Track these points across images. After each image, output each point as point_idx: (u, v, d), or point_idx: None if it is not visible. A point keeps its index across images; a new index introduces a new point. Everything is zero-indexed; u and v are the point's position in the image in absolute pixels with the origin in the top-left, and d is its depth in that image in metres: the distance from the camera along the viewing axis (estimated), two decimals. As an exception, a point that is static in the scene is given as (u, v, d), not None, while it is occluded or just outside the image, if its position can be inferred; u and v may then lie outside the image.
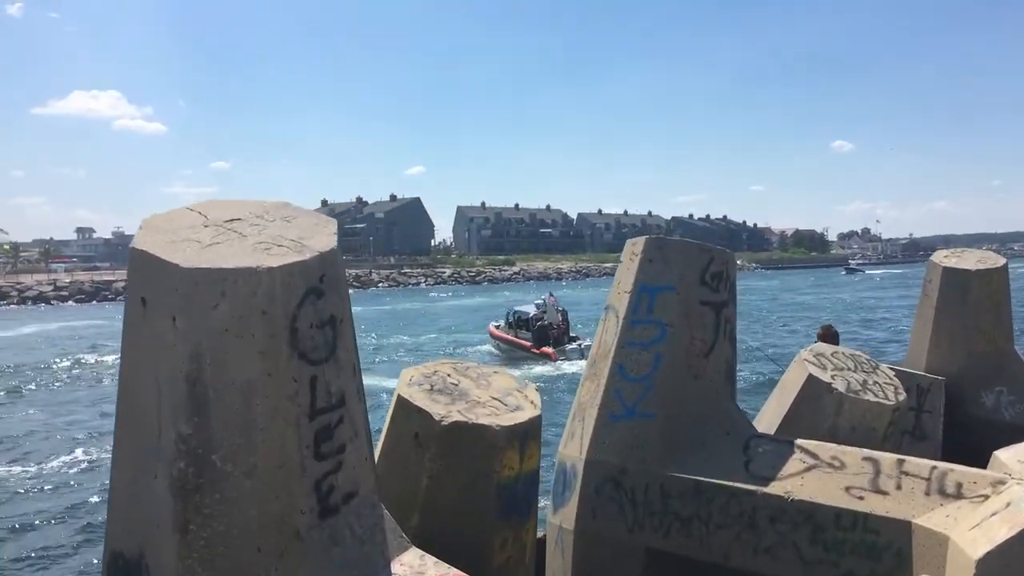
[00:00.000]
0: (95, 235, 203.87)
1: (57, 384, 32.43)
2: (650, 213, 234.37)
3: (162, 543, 2.93)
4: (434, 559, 3.25)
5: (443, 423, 3.92)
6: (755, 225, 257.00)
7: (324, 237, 3.16)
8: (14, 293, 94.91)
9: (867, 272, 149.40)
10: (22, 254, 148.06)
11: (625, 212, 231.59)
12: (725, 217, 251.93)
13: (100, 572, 3.33)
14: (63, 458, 19.16)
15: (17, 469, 18.24)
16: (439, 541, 3.68)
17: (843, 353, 6.01)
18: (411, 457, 4.00)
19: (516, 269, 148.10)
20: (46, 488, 16.47)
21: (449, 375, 4.36)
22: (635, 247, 5.31)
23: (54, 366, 37.50)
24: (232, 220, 3.18)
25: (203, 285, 2.81)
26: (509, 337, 40.97)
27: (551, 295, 41.93)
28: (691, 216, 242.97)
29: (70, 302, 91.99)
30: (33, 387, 31.77)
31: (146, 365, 2.95)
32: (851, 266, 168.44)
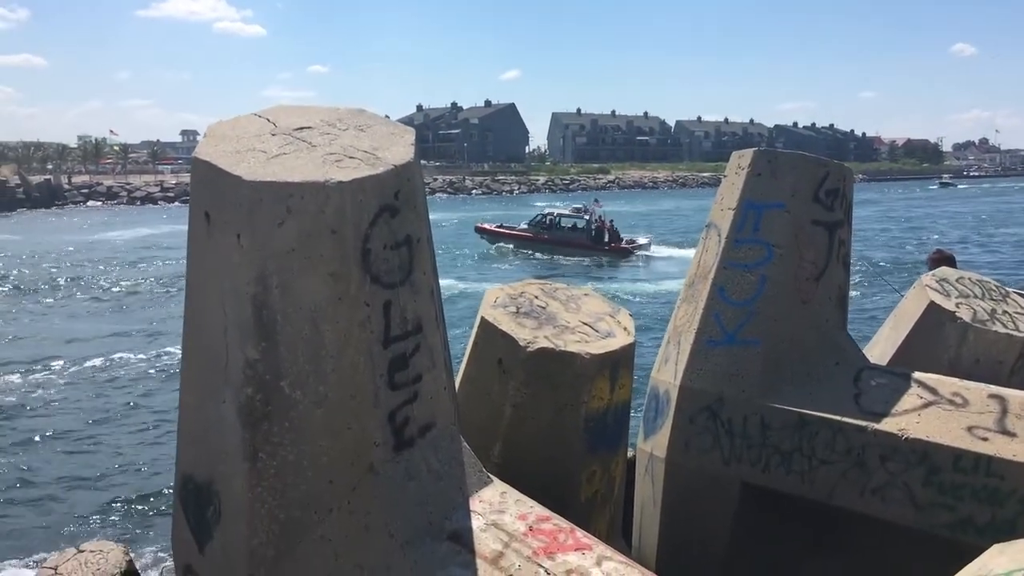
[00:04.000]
0: (199, 137, 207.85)
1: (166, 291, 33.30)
2: (752, 121, 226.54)
3: (232, 471, 2.81)
4: (516, 496, 3.05)
5: (528, 349, 3.67)
6: (863, 135, 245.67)
7: (400, 148, 2.88)
8: (123, 193, 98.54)
9: (959, 186, 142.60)
10: (131, 155, 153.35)
11: (725, 120, 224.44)
12: (832, 126, 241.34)
13: (172, 492, 3.25)
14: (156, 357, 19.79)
15: (112, 370, 18.90)
16: (522, 473, 3.49)
17: (969, 279, 5.49)
18: (494, 384, 3.78)
19: (611, 177, 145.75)
20: (138, 393, 17.00)
21: (537, 297, 4.09)
22: (741, 160, 4.87)
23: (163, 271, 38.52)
24: (302, 128, 2.93)
25: (267, 201, 2.58)
26: (544, 237, 42.28)
27: (596, 201, 44.24)
28: (795, 124, 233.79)
29: (176, 203, 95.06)
30: (146, 294, 32.83)
31: (211, 285, 2.77)
32: (945, 179, 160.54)
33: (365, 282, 2.70)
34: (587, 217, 41.97)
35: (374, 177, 2.68)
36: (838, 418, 4.32)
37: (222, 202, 2.67)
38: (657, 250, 41.69)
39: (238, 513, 2.82)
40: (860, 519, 4.30)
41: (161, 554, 8.62)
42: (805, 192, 4.66)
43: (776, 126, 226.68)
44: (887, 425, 4.23)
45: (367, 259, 2.69)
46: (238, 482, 2.79)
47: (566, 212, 44.94)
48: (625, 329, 4.03)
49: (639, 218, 64.97)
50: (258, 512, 2.78)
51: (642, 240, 42.39)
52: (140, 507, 10.51)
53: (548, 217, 44.16)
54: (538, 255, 41.57)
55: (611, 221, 41.99)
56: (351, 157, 2.75)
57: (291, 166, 2.67)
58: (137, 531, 9.65)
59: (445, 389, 3.03)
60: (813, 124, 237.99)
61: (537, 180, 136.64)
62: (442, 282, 3.25)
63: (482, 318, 3.86)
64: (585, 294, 4.32)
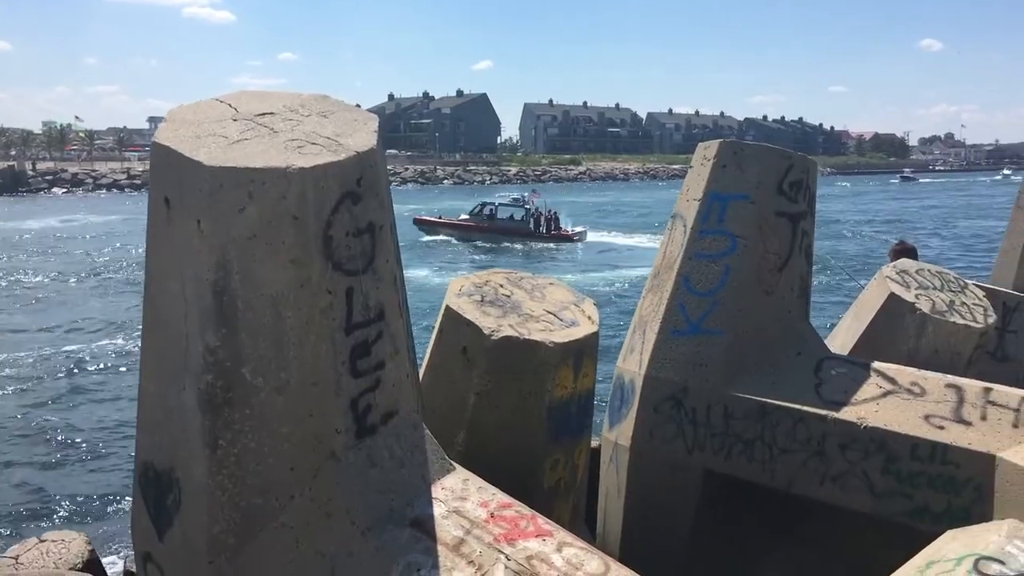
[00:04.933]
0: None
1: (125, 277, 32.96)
2: (722, 114, 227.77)
3: (192, 458, 2.80)
4: (479, 483, 3.05)
5: (493, 337, 3.67)
6: (832, 128, 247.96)
7: (363, 135, 2.87)
8: (89, 181, 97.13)
9: (920, 180, 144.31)
10: (97, 142, 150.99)
11: (696, 112, 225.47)
12: (801, 119, 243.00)
13: (133, 480, 3.22)
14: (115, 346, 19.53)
15: (73, 354, 18.63)
16: (485, 461, 3.49)
17: (929, 270, 5.57)
18: (458, 372, 3.78)
19: (582, 169, 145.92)
20: (95, 382, 16.79)
21: (502, 286, 4.09)
22: (707, 151, 4.90)
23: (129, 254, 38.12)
24: (264, 114, 2.91)
25: (228, 186, 2.56)
26: (485, 226, 45.70)
27: (535, 192, 49.84)
28: (765, 117, 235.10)
29: (143, 190, 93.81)
30: (109, 275, 32.48)
31: (171, 271, 2.75)
32: (906, 174, 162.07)
33: (327, 269, 2.69)
34: (528, 207, 46.06)
35: (336, 164, 2.67)
36: (799, 407, 4.37)
37: (182, 187, 2.65)
38: (596, 236, 46.99)
39: (199, 500, 2.80)
40: (820, 507, 4.36)
41: (123, 542, 8.54)
42: (769, 184, 4.70)
43: (746, 119, 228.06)
44: (846, 414, 4.29)
45: (329, 246, 2.68)
46: (198, 469, 2.77)
47: (505, 202, 48.28)
48: (589, 318, 4.04)
49: (595, 208, 65.69)
50: (219, 499, 2.76)
51: (579, 229, 46.74)
52: (101, 496, 10.43)
53: (488, 207, 47.31)
54: (478, 243, 44.44)
55: (551, 211, 46.11)
56: (313, 143, 2.74)
57: (252, 152, 2.65)
58: (98, 520, 9.57)
59: (408, 376, 3.03)
60: (783, 117, 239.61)
61: (509, 171, 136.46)
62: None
63: (447, 306, 3.86)
64: (550, 283, 4.33)
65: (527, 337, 3.70)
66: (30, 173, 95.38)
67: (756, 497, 4.55)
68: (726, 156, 4.78)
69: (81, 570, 4.53)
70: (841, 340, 5.55)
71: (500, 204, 48.07)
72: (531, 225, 45.67)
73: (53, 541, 4.89)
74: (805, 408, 4.36)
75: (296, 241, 2.62)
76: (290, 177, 2.58)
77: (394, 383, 2.94)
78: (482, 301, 3.90)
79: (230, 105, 2.95)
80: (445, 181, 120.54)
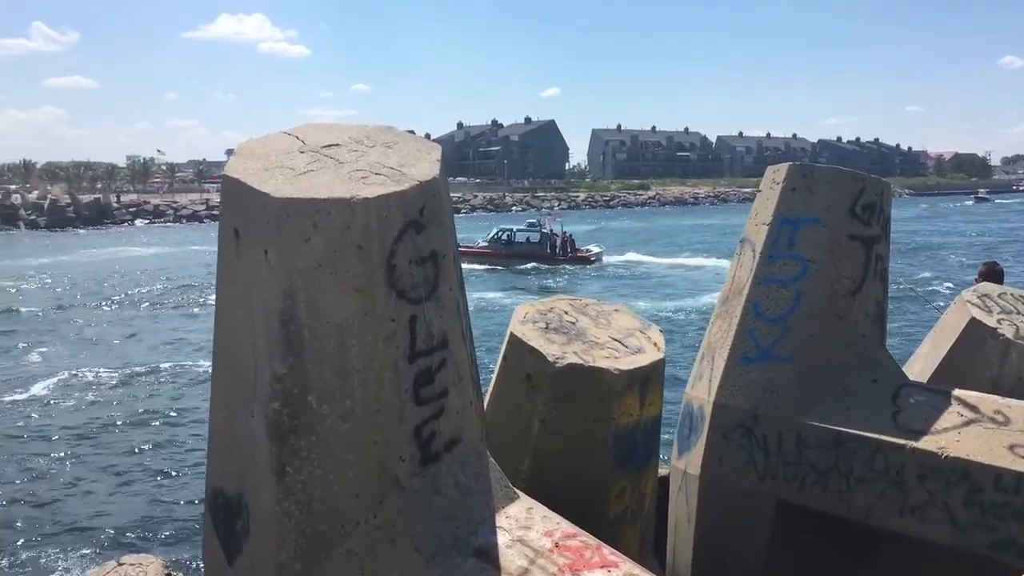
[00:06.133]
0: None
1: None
2: (794, 136, 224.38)
3: (260, 485, 2.83)
4: (543, 512, 3.03)
5: (557, 365, 3.65)
6: (909, 149, 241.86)
7: (426, 164, 2.90)
8: (170, 212, 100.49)
9: (997, 201, 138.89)
10: (177, 175, 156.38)
11: (768, 135, 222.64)
12: (877, 140, 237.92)
13: (204, 505, 3.29)
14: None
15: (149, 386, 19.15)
16: (551, 489, 3.46)
17: (1012, 295, 5.36)
18: (523, 400, 3.77)
19: (651, 193, 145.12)
20: (177, 405, 17.21)
21: (566, 312, 4.08)
22: (776, 174, 4.82)
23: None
24: (330, 146, 2.97)
25: (294, 217, 2.61)
26: (503, 252, 47.15)
27: (551, 216, 52.03)
28: (839, 139, 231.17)
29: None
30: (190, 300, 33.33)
31: (240, 301, 2.81)
32: (980, 195, 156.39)
33: (391, 297, 2.71)
34: (545, 231, 48.05)
35: (399, 193, 2.71)
36: (876, 436, 4.23)
37: (250, 218, 2.71)
38: (616, 259, 48.75)
39: (266, 527, 2.84)
40: (898, 538, 4.21)
41: (197, 567, 8.71)
42: (841, 207, 4.60)
43: (820, 141, 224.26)
44: (926, 443, 4.13)
45: (392, 274, 2.70)
46: (266, 496, 2.81)
47: (522, 227, 50.17)
48: (655, 345, 4.00)
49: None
50: (285, 526, 2.79)
51: (595, 249, 48.25)
52: (176, 520, 10.65)
53: (505, 233, 49.06)
54: (498, 268, 45.76)
55: (566, 233, 47.64)
56: (377, 174, 2.78)
57: (318, 183, 2.71)
58: (172, 544, 9.77)
59: (472, 404, 3.03)
60: (858, 139, 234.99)
61: (577, 196, 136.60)
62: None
63: (511, 334, 3.86)
64: (615, 309, 4.30)
65: (592, 364, 3.67)
66: (115, 205, 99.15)
67: (830, 527, 4.42)
68: (796, 179, 4.70)
69: (157, 594, 4.61)
70: (920, 367, 5.37)
71: (516, 230, 49.65)
72: (548, 248, 46.99)
73: (131, 564, 4.99)
74: (882, 437, 4.22)
75: (360, 270, 2.65)
76: (354, 207, 2.62)
77: (457, 411, 2.94)
78: (547, 328, 3.89)
79: (297, 137, 3.02)
80: (514, 208, 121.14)
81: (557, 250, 46.97)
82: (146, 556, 5.09)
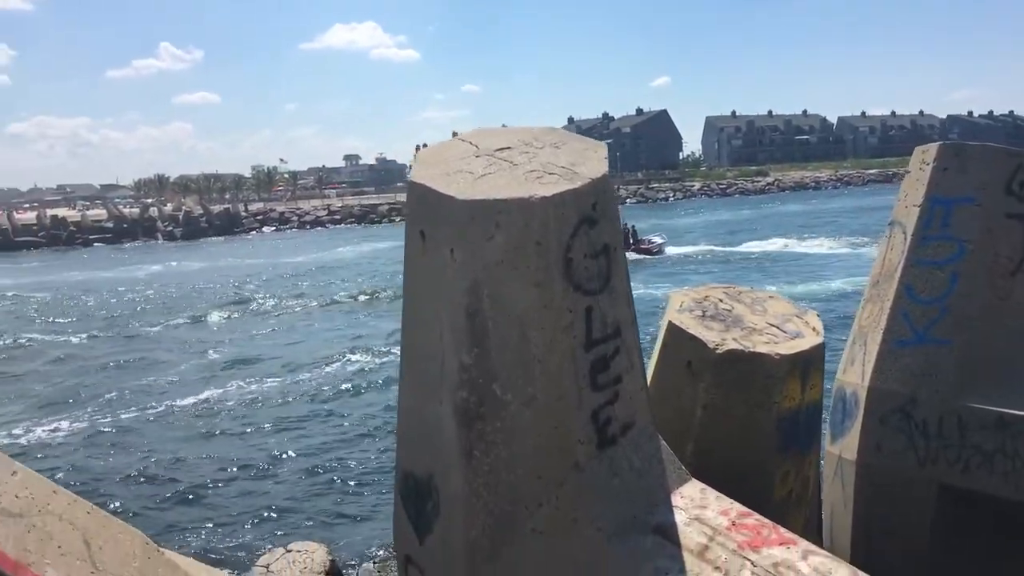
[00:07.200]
0: (360, 161, 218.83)
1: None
2: (921, 113, 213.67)
3: (450, 467, 3.04)
4: (716, 493, 3.14)
5: (718, 351, 3.74)
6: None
7: (595, 163, 3.05)
8: (294, 218, 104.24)
9: None
10: (299, 182, 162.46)
11: (892, 113, 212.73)
12: (1011, 112, 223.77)
13: (393, 488, 3.53)
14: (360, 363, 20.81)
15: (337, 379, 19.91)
16: (715, 473, 3.55)
17: None
18: (684, 387, 3.87)
19: (770, 179, 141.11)
20: (340, 399, 17.85)
21: (721, 300, 4.16)
22: (926, 155, 4.75)
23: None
24: (502, 149, 3.15)
25: (478, 217, 2.80)
26: None
27: None
28: (970, 113, 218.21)
29: (342, 224, 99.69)
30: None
31: (427, 297, 3.03)
32: None
33: (568, 290, 2.87)
34: None
35: (573, 191, 2.86)
36: (1042, 417, 4.15)
37: (436, 220, 2.92)
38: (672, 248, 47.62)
39: (456, 507, 3.04)
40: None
41: (360, 552, 9.15)
42: (996, 185, 4.50)
43: (949, 116, 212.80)
44: (1097, 424, 4.02)
45: (569, 268, 2.86)
46: (455, 478, 3.02)
47: None
48: (814, 329, 4.03)
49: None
50: (474, 506, 2.99)
51: (658, 240, 47.96)
52: (344, 508, 11.13)
53: None
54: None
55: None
56: (551, 173, 2.94)
57: (497, 184, 2.89)
58: (336, 530, 10.23)
59: (642, 389, 3.16)
60: (991, 112, 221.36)
61: (692, 186, 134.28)
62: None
63: (670, 322, 3.97)
64: (770, 296, 4.35)
65: (752, 350, 3.74)
66: (243, 214, 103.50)
67: (992, 511, 4.34)
68: (947, 158, 4.62)
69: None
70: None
71: None
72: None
73: (298, 551, 5.35)
74: (1049, 418, 4.12)
75: (540, 265, 2.82)
76: (533, 206, 2.79)
77: (631, 396, 3.08)
78: (703, 316, 3.98)
79: (471, 143, 3.21)
80: (628, 200, 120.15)
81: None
82: (311, 543, 5.42)
